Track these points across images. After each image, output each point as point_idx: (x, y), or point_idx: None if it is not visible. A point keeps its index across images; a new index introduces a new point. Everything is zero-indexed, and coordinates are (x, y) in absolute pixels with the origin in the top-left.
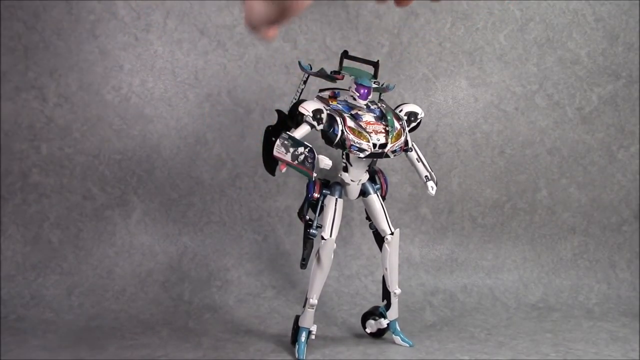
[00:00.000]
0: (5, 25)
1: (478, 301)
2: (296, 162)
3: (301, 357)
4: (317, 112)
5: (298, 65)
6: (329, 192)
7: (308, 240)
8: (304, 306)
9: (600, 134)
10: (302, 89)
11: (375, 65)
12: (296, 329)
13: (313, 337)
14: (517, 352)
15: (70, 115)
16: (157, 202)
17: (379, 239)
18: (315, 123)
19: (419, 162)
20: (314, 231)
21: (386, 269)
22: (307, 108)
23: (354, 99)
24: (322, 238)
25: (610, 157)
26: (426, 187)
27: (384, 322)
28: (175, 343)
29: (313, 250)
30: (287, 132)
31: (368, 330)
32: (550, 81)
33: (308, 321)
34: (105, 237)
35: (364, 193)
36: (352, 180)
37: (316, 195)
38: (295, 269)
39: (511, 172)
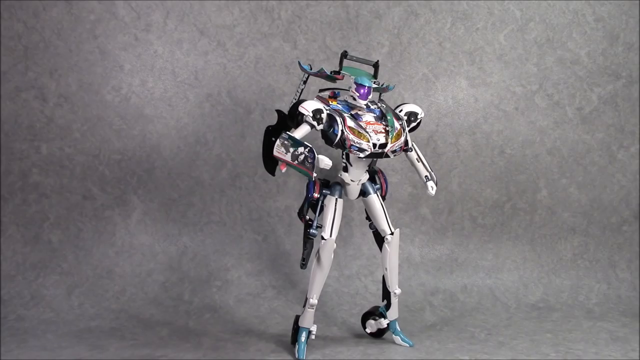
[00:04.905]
0: (5, 25)
1: (478, 301)
2: (296, 162)
3: (301, 357)
4: (317, 112)
5: (298, 65)
6: (329, 192)
7: (308, 240)
8: (304, 306)
9: (600, 134)
10: (302, 89)
11: (375, 65)
12: (296, 329)
13: (313, 337)
14: (517, 352)
15: (70, 115)
16: (157, 202)
17: (379, 239)
18: (315, 123)
19: (419, 162)
20: (314, 231)
21: (386, 269)
22: (307, 108)
23: (354, 99)
24: (322, 238)
25: (610, 157)
26: (426, 187)
27: (384, 322)
28: (175, 343)
29: (313, 250)
30: (287, 132)
31: (368, 330)
32: (550, 81)
33: (308, 321)
34: (105, 237)
35: (364, 193)
36: (352, 180)
37: (316, 195)
38: (295, 269)
39: (511, 172)
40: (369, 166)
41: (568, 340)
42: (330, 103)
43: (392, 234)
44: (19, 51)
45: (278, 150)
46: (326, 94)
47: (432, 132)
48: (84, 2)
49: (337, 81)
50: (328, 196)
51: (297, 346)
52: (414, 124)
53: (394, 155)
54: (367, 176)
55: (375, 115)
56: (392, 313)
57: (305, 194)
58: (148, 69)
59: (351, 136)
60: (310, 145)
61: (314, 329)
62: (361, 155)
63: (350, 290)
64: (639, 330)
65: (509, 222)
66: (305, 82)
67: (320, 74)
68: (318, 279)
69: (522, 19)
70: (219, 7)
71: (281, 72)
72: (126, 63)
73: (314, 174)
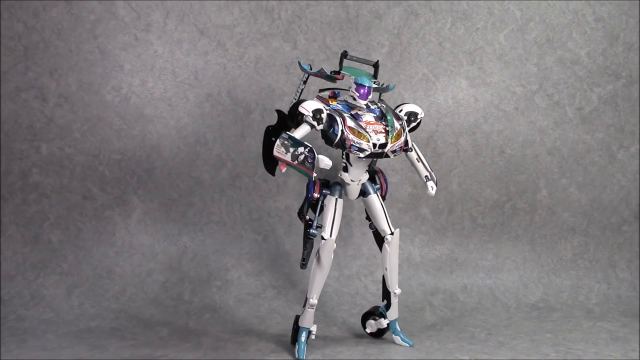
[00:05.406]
0: (5, 25)
1: (478, 301)
2: (296, 162)
3: (301, 357)
4: (317, 112)
5: (298, 65)
6: (329, 192)
7: (308, 240)
8: (304, 306)
9: (600, 134)
10: (302, 89)
11: (375, 65)
12: (296, 329)
13: (313, 337)
14: (517, 352)
15: (70, 115)
16: (157, 202)
17: (379, 239)
18: (315, 123)
19: (419, 162)
20: (314, 231)
21: (386, 269)
22: (307, 108)
23: (354, 99)
24: (322, 238)
25: (610, 157)
26: (426, 187)
27: (384, 322)
28: (175, 343)
29: (313, 250)
30: (287, 132)
31: (368, 330)
32: (550, 81)
33: (308, 321)
34: (105, 237)
35: (364, 193)
36: (352, 180)
37: (316, 195)
38: (295, 269)
39: (511, 172)
40: (369, 166)
41: (568, 340)
42: (330, 103)
43: (392, 234)
44: (19, 51)
45: (278, 150)
46: (326, 94)
47: (432, 132)
48: (84, 2)
49: (337, 81)
50: (328, 196)
51: (297, 346)
52: (414, 124)
53: (394, 155)
54: (367, 176)
55: (375, 115)
56: (392, 313)
57: (305, 194)
58: (148, 69)
59: (351, 136)
60: (310, 145)
61: (314, 329)
62: (361, 155)
63: (350, 290)
64: (639, 330)
65: (509, 222)
66: (305, 82)
67: (320, 74)
68: (318, 279)
69: (522, 19)
70: (219, 7)
71: (281, 72)
72: (126, 63)
73: (314, 174)
